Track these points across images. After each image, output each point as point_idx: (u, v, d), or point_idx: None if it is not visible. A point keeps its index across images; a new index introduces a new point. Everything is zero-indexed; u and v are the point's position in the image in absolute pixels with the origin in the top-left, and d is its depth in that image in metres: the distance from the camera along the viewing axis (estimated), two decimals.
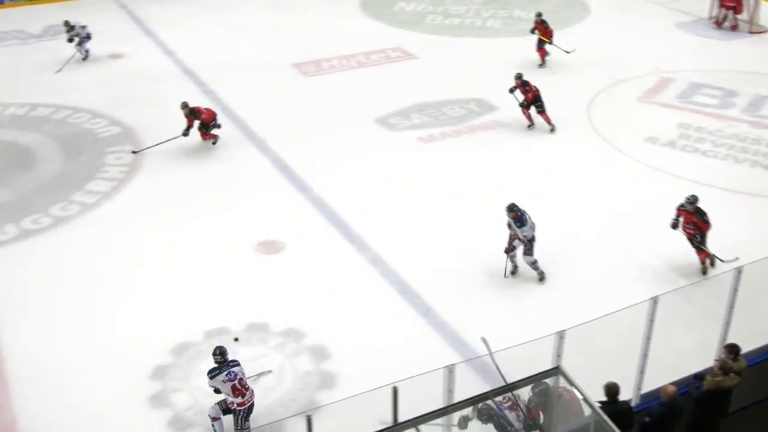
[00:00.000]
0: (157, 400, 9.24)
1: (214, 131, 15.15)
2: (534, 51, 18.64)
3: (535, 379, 7.31)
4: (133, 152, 14.70)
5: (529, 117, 15.51)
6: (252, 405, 8.66)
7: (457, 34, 21.07)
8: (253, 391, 8.69)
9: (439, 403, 7.24)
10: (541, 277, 11.14)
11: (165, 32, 21.17)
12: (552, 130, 15.48)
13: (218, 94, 17.39)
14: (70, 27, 18.81)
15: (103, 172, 14.23)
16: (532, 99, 15.32)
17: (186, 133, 14.69)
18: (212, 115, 15.06)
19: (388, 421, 8.01)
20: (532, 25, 18.80)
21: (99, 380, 9.56)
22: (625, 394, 8.29)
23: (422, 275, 11.25)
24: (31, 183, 13.93)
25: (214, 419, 8.53)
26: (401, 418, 6.96)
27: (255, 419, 8.90)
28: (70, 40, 18.83)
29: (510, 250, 11.01)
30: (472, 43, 20.33)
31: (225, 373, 8.45)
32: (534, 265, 11.07)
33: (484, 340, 7.63)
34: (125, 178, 14.05)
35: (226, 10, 22.89)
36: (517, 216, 10.78)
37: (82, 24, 19.04)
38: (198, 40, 20.57)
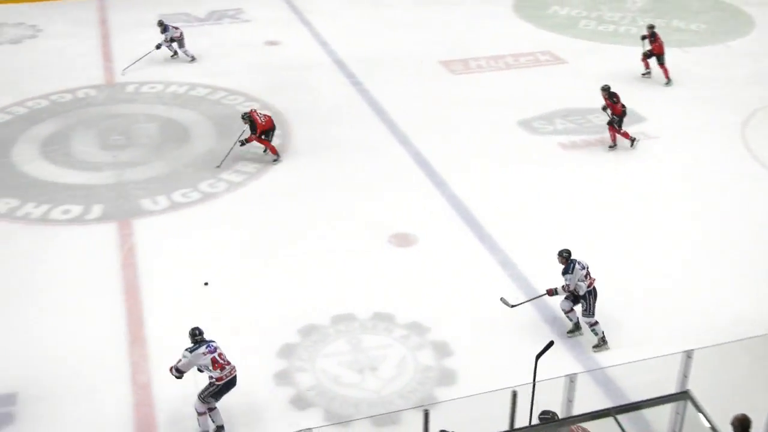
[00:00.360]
0: (282, 377, 9.58)
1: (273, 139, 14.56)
2: (646, 61, 18.02)
3: (661, 402, 7.11)
4: (218, 167, 14.26)
5: (615, 136, 14.90)
6: (230, 382, 8.60)
7: (610, 41, 20.56)
8: (234, 367, 8.65)
9: (558, 412, 7.19)
10: (598, 345, 9.91)
11: (320, 23, 21.74)
12: (612, 147, 14.90)
13: (365, 86, 17.74)
14: (163, 27, 18.77)
15: (252, 153, 14.78)
16: (618, 113, 14.70)
17: (246, 136, 14.31)
18: (268, 124, 14.45)
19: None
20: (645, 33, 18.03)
21: (230, 350, 9.97)
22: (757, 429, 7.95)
23: (552, 283, 11.10)
24: (185, 158, 14.69)
25: (203, 413, 8.65)
26: (518, 424, 6.95)
27: (373, 407, 9.10)
28: (168, 46, 18.71)
29: (552, 292, 9.95)
30: (625, 51, 19.77)
31: (204, 345, 8.53)
32: (592, 327, 9.91)
33: (550, 344, 7.44)
34: (271, 161, 14.59)
35: (381, 5, 23.25)
36: (565, 262, 9.82)
37: (175, 25, 19.01)
38: (351, 32, 21.03)
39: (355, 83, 17.96)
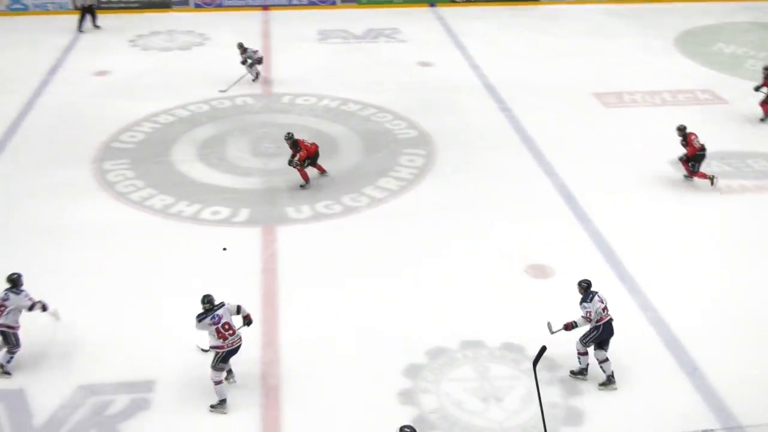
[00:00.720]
0: (406, 396, 9.59)
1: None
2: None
3: None
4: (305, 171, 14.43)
5: (687, 169, 14.58)
6: (234, 350, 9.30)
7: None
8: (238, 336, 9.32)
9: None
10: (576, 373, 9.88)
11: (474, 46, 21.86)
12: (712, 182, 14.35)
13: (514, 112, 17.63)
14: (243, 49, 18.74)
15: (395, 171, 15.00)
16: (692, 154, 14.22)
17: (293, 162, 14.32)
18: (314, 150, 14.46)
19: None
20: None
21: (357, 361, 10.15)
22: None
23: (695, 331, 10.62)
24: (331, 171, 14.99)
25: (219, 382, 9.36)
26: None
27: None
28: (243, 62, 18.77)
29: (570, 326, 9.66)
30: None
31: (210, 317, 9.20)
32: (579, 356, 9.84)
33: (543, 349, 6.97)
34: (414, 180, 14.73)
35: (537, 32, 23.13)
36: (584, 292, 9.66)
37: (255, 48, 19.11)
38: (504, 58, 21.00)
39: (504, 109, 17.87)
